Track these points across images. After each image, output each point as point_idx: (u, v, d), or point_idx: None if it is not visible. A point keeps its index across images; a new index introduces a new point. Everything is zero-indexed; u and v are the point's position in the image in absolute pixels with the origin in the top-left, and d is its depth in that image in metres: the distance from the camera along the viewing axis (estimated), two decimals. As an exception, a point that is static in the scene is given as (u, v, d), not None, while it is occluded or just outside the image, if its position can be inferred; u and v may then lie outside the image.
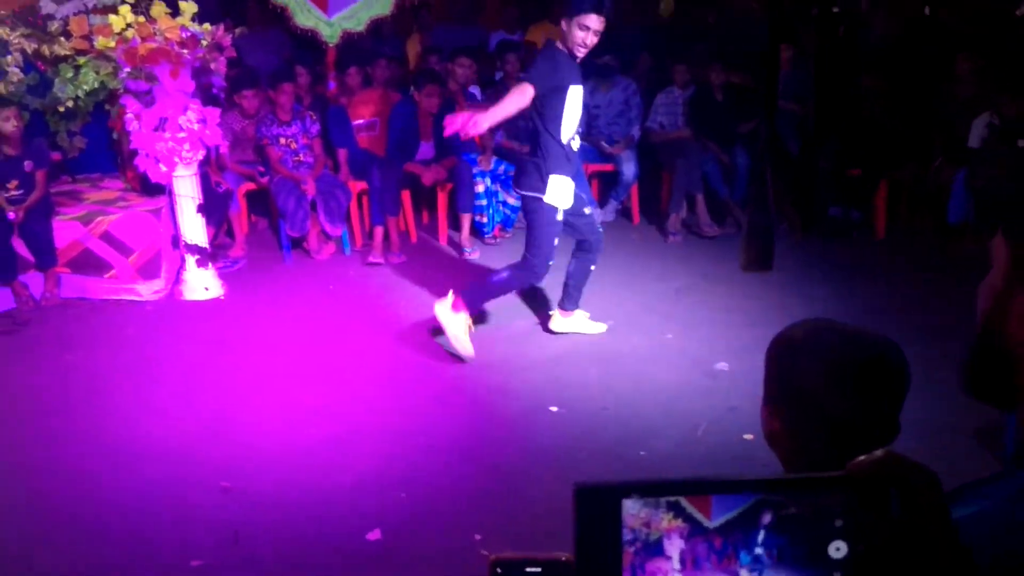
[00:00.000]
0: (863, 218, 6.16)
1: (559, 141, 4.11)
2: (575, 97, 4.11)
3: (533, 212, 4.21)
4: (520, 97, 4.02)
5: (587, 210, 4.37)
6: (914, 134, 6.07)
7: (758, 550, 0.64)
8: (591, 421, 3.75)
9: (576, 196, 4.27)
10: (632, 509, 0.63)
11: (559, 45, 4.10)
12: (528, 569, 0.74)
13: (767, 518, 0.64)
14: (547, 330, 4.63)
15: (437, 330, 4.38)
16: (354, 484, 3.29)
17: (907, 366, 1.27)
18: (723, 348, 4.36)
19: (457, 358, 4.28)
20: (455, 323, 4.23)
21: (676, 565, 0.64)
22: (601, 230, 4.50)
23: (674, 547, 0.64)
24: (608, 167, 6.68)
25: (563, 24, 4.05)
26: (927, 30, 6.78)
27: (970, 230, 5.42)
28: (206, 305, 5.13)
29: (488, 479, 3.32)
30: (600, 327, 4.62)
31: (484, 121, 3.94)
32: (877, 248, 5.97)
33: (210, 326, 4.81)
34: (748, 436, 3.46)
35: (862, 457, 0.65)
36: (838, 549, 0.64)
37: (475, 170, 6.16)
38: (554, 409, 3.85)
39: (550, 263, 4.23)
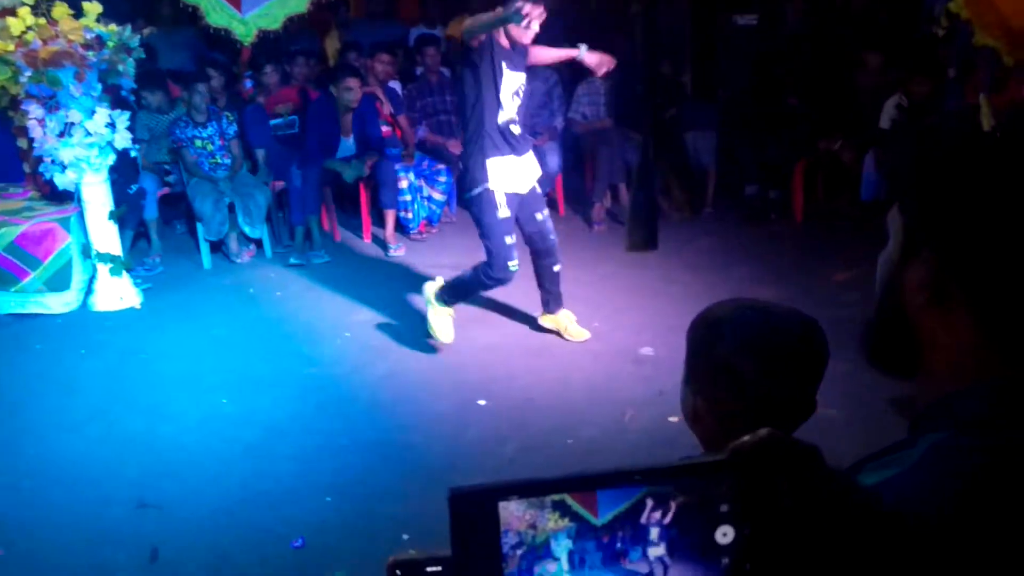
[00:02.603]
0: (781, 198, 6.28)
1: (496, 123, 3.96)
2: (508, 82, 3.99)
3: (478, 211, 4.05)
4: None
5: (539, 215, 4.22)
6: (827, 117, 6.20)
7: (649, 546, 0.62)
8: (519, 413, 3.74)
9: (532, 195, 4.18)
10: (516, 511, 0.61)
11: (493, 34, 3.90)
12: (428, 569, 0.70)
13: (655, 510, 0.62)
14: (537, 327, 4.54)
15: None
16: (277, 491, 3.22)
17: (827, 344, 1.29)
18: (649, 333, 4.40)
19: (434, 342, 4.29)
20: (437, 316, 4.23)
21: (565, 566, 0.62)
22: (553, 236, 4.28)
23: (562, 548, 0.62)
24: (532, 159, 6.69)
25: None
26: (839, 19, 6.94)
27: (883, 207, 5.57)
28: (121, 316, 4.96)
29: (415, 478, 3.27)
30: (583, 333, 4.42)
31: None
32: (796, 227, 6.10)
33: (125, 337, 4.65)
34: (673, 419, 3.48)
35: (745, 438, 0.64)
36: (725, 534, 0.63)
37: (398, 166, 6.09)
38: (482, 403, 3.83)
39: (510, 265, 4.02)
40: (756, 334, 1.27)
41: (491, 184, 3.98)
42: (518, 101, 4.05)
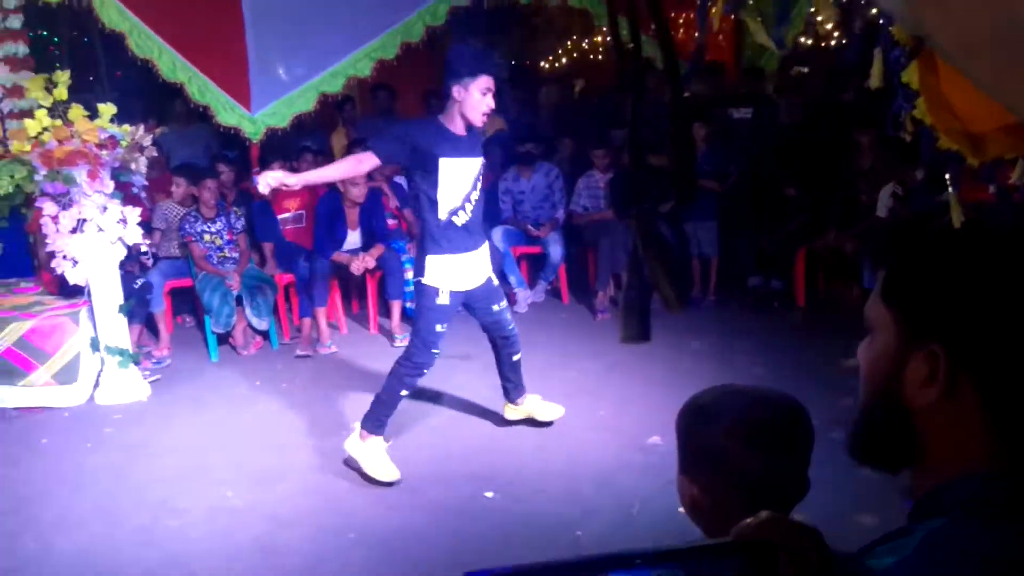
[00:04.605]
0: (784, 288, 6.34)
1: (436, 218, 3.79)
2: (450, 171, 3.74)
3: (417, 296, 3.94)
4: (356, 164, 3.83)
5: (496, 307, 4.06)
6: (825, 207, 6.32)
7: None
8: (527, 505, 3.70)
9: (485, 289, 4.02)
10: None
11: (441, 119, 3.76)
12: None
13: None
14: (505, 421, 4.46)
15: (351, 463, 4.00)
16: (284, 587, 3.17)
17: (811, 424, 1.30)
18: (656, 422, 4.38)
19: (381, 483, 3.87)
20: (368, 453, 3.90)
21: None
22: (512, 327, 4.15)
23: None
24: (536, 249, 6.80)
25: (456, 92, 3.65)
26: (831, 109, 7.13)
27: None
28: (128, 409, 4.97)
29: (420, 574, 3.22)
30: (558, 410, 4.40)
31: (294, 180, 3.58)
32: (800, 316, 6.13)
33: (132, 431, 4.64)
34: (682, 510, 3.44)
35: (747, 520, 0.66)
36: None
37: (404, 257, 6.18)
38: (489, 495, 3.79)
39: (433, 351, 3.86)
40: (741, 418, 1.29)
41: (428, 280, 3.82)
42: (466, 189, 3.80)
